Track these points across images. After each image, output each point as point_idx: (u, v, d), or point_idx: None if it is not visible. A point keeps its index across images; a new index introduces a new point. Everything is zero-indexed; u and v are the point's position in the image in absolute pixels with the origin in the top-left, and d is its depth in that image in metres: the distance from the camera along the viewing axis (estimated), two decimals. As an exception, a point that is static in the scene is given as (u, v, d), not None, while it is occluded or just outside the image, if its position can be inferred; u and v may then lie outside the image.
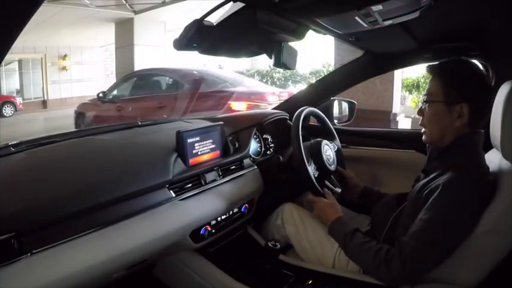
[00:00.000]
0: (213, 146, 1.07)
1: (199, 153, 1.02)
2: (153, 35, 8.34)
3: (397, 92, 4.12)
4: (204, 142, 1.03)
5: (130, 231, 0.79)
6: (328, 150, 1.22)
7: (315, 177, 1.10)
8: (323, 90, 1.55)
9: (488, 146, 0.89)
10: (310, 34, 0.97)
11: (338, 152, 1.30)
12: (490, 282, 0.78)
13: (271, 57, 0.97)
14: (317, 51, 7.27)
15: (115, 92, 4.45)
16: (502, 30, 0.98)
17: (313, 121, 1.42)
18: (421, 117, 0.92)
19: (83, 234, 0.71)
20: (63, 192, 0.73)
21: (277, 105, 1.69)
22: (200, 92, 3.63)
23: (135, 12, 8.06)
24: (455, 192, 0.78)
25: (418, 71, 5.68)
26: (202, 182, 1.01)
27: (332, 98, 1.55)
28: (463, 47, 1.13)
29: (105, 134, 1.17)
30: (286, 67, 0.98)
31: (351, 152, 1.47)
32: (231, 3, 0.77)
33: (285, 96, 3.73)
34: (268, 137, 1.38)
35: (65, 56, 11.02)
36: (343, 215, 0.99)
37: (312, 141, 1.22)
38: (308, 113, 1.24)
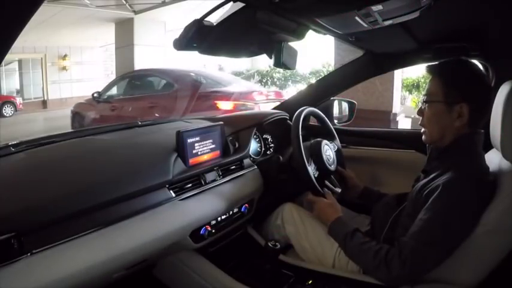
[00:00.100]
0: (213, 146, 1.07)
1: (199, 153, 1.02)
2: (153, 35, 8.34)
3: (397, 92, 4.11)
4: (204, 142, 1.03)
5: (130, 231, 0.79)
6: (328, 150, 1.22)
7: (315, 177, 1.10)
8: (323, 90, 1.55)
9: (488, 146, 0.89)
10: (310, 34, 0.97)
11: (338, 152, 1.30)
12: (490, 282, 0.78)
13: (271, 57, 0.97)
14: (317, 51, 7.26)
15: (109, 92, 4.53)
16: (502, 30, 0.98)
17: (313, 121, 1.42)
18: (421, 117, 0.92)
19: (83, 234, 0.71)
20: (63, 192, 0.73)
21: (277, 105, 1.69)
22: (189, 92, 3.70)
23: (135, 12, 8.05)
24: (456, 192, 0.78)
25: (418, 71, 5.69)
26: (202, 182, 1.01)
27: (332, 98, 1.54)
28: (463, 47, 1.13)
29: (105, 134, 1.17)
30: (286, 67, 0.98)
31: (351, 152, 1.47)
32: (231, 3, 0.77)
33: (272, 96, 3.78)
34: (268, 137, 1.38)
35: (65, 56, 11.01)
36: (343, 215, 0.99)
37: (312, 141, 1.22)
38: (308, 113, 1.24)
